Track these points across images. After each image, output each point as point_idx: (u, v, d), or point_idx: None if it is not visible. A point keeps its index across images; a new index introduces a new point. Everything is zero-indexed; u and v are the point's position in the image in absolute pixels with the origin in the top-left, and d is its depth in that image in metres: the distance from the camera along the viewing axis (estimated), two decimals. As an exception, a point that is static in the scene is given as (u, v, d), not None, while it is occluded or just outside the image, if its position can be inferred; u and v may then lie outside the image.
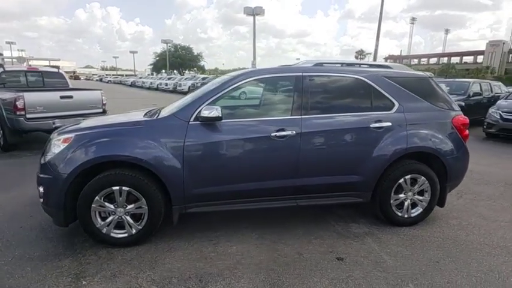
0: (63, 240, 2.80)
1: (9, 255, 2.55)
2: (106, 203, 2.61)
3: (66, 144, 2.63)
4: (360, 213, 3.44)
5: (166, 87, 29.40)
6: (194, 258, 2.55)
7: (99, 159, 2.54)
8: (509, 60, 55.43)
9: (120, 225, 2.68)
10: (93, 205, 2.58)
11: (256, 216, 3.23)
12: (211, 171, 2.72)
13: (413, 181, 3.09)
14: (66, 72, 8.40)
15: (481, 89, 9.97)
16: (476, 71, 44.98)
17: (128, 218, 2.66)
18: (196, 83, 25.06)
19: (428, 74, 3.37)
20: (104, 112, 6.78)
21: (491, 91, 10.51)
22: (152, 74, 53.82)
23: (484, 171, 5.06)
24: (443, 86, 6.92)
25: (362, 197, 3.03)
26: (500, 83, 12.48)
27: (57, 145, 2.67)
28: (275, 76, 3.04)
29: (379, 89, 3.02)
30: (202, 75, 30.74)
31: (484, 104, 9.63)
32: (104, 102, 6.82)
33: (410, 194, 3.11)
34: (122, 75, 64.25)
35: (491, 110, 8.19)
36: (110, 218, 2.64)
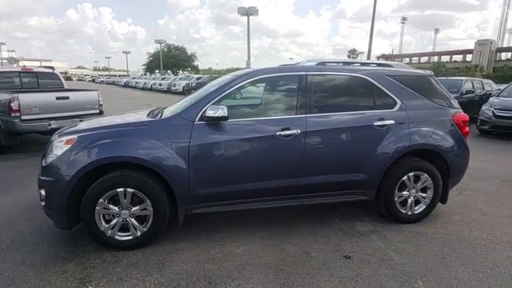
0: (65, 244, 2.74)
1: (9, 260, 2.49)
2: (110, 205, 2.56)
3: (68, 146, 2.57)
4: (364, 211, 3.45)
5: (160, 87, 29.22)
6: (201, 260, 2.53)
7: (104, 161, 2.50)
8: (497, 59, 56.47)
9: (124, 227, 2.63)
10: (97, 207, 2.53)
11: (261, 216, 3.22)
12: (216, 171, 2.70)
13: (416, 178, 3.11)
14: (57, 72, 8.22)
15: (473, 87, 10.13)
16: (466, 69, 45.64)
17: (133, 220, 2.62)
18: (191, 83, 24.94)
19: (428, 72, 3.40)
20: (100, 113, 6.69)
21: (483, 89, 10.68)
22: (145, 75, 53.37)
23: (480, 168, 5.14)
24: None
25: (367, 194, 3.04)
26: (490, 81, 12.71)
27: (59, 147, 2.62)
28: (279, 75, 3.03)
29: (382, 88, 3.03)
30: (197, 75, 30.57)
31: (476, 101, 9.77)
32: (101, 103, 6.73)
33: (413, 191, 3.13)
34: (115, 76, 63.47)
35: (484, 108, 8.32)
36: (114, 221, 2.59)
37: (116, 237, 2.62)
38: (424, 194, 3.16)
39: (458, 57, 62.18)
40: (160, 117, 2.90)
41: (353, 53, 62.49)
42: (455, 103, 3.32)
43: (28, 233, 2.90)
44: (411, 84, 3.13)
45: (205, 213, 2.80)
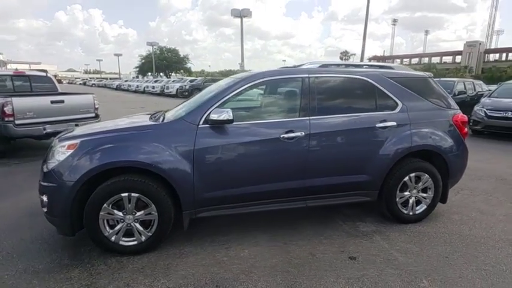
0: (67, 250, 2.70)
1: (12, 268, 2.44)
2: (115, 211, 2.54)
3: (71, 151, 2.54)
4: (366, 212, 3.49)
5: (153, 90, 28.99)
6: (208, 264, 2.52)
7: (108, 166, 2.47)
8: (485, 60, 57.72)
9: (129, 232, 2.61)
10: (101, 213, 2.50)
11: (263, 218, 3.22)
12: (221, 174, 2.69)
13: (417, 179, 3.16)
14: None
15: (465, 88, 10.33)
16: (456, 70, 46.57)
17: (137, 225, 2.60)
18: (184, 86, 24.79)
19: (427, 73, 3.46)
20: (96, 116, 6.62)
21: (474, 89, 10.90)
22: (137, 77, 52.92)
23: (475, 167, 5.23)
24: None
25: (369, 195, 3.07)
26: (481, 82, 12.98)
27: (61, 152, 2.58)
28: (282, 78, 3.04)
29: (383, 89, 3.08)
30: (190, 78, 30.42)
31: (468, 102, 9.95)
32: (97, 107, 6.66)
33: (414, 191, 3.17)
34: (106, 79, 62.78)
35: (476, 108, 8.49)
36: (118, 226, 2.57)
37: (121, 242, 2.59)
38: (424, 194, 3.21)
39: (448, 59, 63.39)
40: (163, 120, 2.89)
41: (345, 54, 63.16)
42: (453, 104, 3.39)
43: (29, 240, 2.85)
44: (411, 86, 3.19)
45: (209, 216, 2.80)
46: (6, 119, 5.37)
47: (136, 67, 59.67)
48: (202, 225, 3.10)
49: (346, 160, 2.94)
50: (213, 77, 30.66)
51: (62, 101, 6.14)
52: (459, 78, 12.31)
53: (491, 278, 2.38)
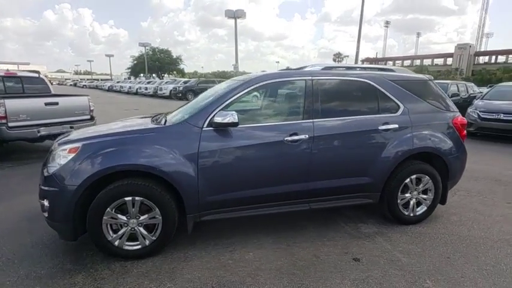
0: (69, 255, 2.66)
1: (13, 274, 2.39)
2: (118, 215, 2.51)
3: (73, 155, 2.51)
4: (367, 214, 3.52)
5: (146, 91, 28.75)
6: (213, 267, 2.51)
7: (111, 169, 2.44)
8: (475, 62, 58.90)
9: (132, 237, 2.58)
10: (104, 217, 2.47)
11: (266, 221, 3.22)
12: (226, 177, 2.69)
13: (418, 181, 3.20)
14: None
15: (458, 90, 10.52)
16: (447, 72, 47.40)
17: (141, 229, 2.57)
18: (178, 87, 24.64)
19: (427, 76, 3.52)
20: (91, 119, 6.54)
21: (467, 91, 11.11)
22: (129, 78, 52.44)
23: (471, 169, 5.28)
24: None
25: (371, 197, 3.10)
26: (473, 84, 13.26)
27: (63, 156, 2.54)
28: (286, 80, 3.05)
29: (385, 92, 3.11)
30: (184, 79, 30.27)
31: (461, 104, 10.12)
32: (92, 109, 6.58)
33: (415, 193, 3.22)
34: (98, 80, 61.98)
35: (469, 110, 8.64)
36: (122, 230, 2.54)
37: (124, 247, 2.56)
38: (425, 196, 3.26)
39: (439, 61, 64.48)
40: (165, 123, 2.87)
41: (338, 56, 63.71)
42: (453, 106, 3.45)
43: (29, 245, 2.80)
44: (412, 89, 3.23)
45: (211, 220, 2.78)
46: (-1, 121, 5.27)
47: (128, 68, 59.18)
48: (205, 228, 3.08)
49: (348, 163, 2.96)
50: (207, 78, 30.59)
51: (57, 103, 6.05)
52: (452, 81, 12.54)
53: (493, 277, 2.43)
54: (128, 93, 32.53)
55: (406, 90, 3.19)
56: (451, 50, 61.33)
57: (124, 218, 2.52)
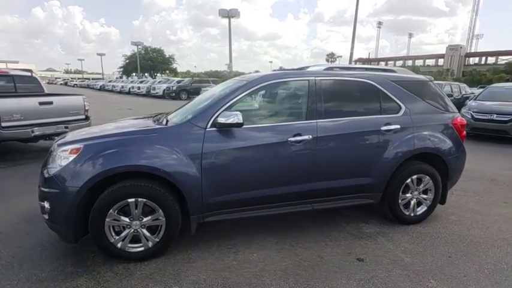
0: (70, 257, 2.61)
1: (13, 277, 2.34)
2: (121, 217, 2.47)
3: (74, 156, 2.46)
4: (367, 214, 3.54)
5: (139, 90, 28.47)
6: (217, 268, 2.49)
7: (114, 171, 2.40)
8: (466, 63, 59.93)
9: (135, 238, 2.55)
10: (107, 219, 2.43)
11: (267, 221, 3.21)
12: (230, 178, 2.67)
13: (419, 181, 3.24)
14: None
15: (451, 90, 10.70)
16: (439, 73, 48.10)
17: (144, 230, 2.54)
18: (171, 87, 24.45)
19: (428, 77, 3.55)
20: (86, 118, 6.45)
21: (460, 92, 11.29)
22: (121, 78, 51.83)
23: (467, 168, 5.35)
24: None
25: (373, 198, 3.12)
26: (465, 85, 13.49)
27: (64, 157, 2.49)
28: (288, 80, 3.05)
29: (387, 93, 3.14)
30: (177, 79, 30.02)
31: (455, 104, 10.29)
32: (87, 108, 6.48)
33: (416, 193, 3.25)
34: (89, 79, 61.10)
35: (463, 111, 8.77)
36: (125, 232, 2.50)
37: (127, 249, 2.52)
38: (425, 196, 3.30)
39: (431, 62, 65.40)
40: (167, 123, 2.84)
41: (331, 56, 64.11)
42: (453, 107, 3.49)
43: (28, 248, 2.73)
44: (413, 89, 3.27)
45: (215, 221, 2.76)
46: (-9, 121, 5.15)
47: (121, 67, 58.44)
48: (207, 229, 3.06)
49: (351, 163, 2.97)
50: (201, 78, 30.39)
51: (51, 103, 5.94)
52: (446, 81, 12.73)
53: (495, 276, 2.47)
54: (120, 92, 32.17)
55: (407, 91, 3.22)
56: (442, 51, 62.43)
57: (127, 219, 2.49)
